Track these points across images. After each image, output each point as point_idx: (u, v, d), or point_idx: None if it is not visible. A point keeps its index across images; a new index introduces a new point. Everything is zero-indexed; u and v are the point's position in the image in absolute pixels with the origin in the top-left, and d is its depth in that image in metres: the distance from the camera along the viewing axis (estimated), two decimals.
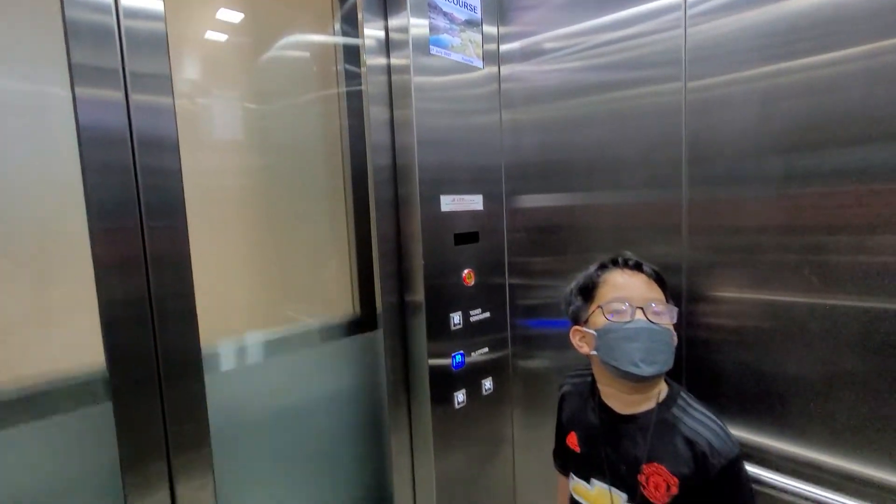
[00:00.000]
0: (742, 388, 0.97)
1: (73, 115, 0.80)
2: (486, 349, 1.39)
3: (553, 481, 1.41)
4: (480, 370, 1.38)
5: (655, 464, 0.83)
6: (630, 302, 0.86)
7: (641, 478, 0.84)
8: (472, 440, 1.38)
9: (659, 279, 0.93)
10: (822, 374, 0.88)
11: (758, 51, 0.92)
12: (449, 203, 1.26)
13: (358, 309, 1.25)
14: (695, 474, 0.81)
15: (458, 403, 1.32)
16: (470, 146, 1.32)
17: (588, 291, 0.93)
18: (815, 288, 0.88)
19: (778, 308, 0.92)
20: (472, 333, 1.35)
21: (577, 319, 0.95)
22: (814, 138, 0.87)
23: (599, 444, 0.91)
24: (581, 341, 0.93)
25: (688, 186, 1.04)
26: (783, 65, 0.90)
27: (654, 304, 0.86)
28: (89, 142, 0.82)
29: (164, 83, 0.89)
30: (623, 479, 0.87)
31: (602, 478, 0.90)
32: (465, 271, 1.32)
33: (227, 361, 1.08)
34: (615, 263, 0.94)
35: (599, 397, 0.94)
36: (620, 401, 0.90)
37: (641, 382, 0.86)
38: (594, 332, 0.88)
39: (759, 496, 0.90)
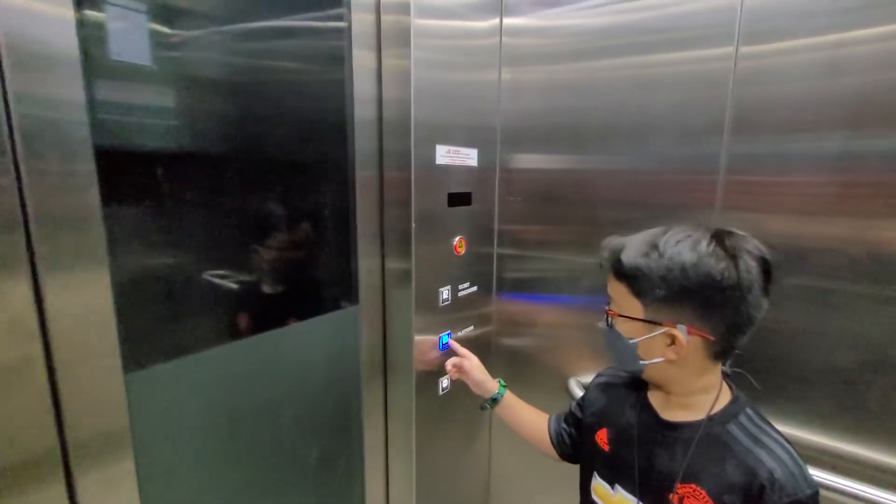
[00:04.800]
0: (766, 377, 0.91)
1: None
2: (471, 327, 1.23)
3: (527, 473, 1.32)
4: None
5: (693, 485, 0.71)
6: None
7: (673, 497, 0.72)
8: (452, 430, 1.23)
9: (621, 272, 0.74)
10: (854, 365, 0.84)
11: (827, 15, 0.82)
12: (444, 155, 1.05)
13: (332, 280, 1.02)
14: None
15: (443, 389, 1.15)
16: (465, 103, 1.12)
17: None
18: (862, 277, 0.82)
19: (817, 294, 0.86)
20: (459, 310, 1.17)
21: None
22: (879, 118, 0.79)
23: (632, 447, 0.78)
24: None
25: (726, 164, 0.94)
26: (853, 34, 0.80)
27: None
28: None
29: None
30: (652, 492, 0.75)
31: (628, 486, 0.78)
32: (457, 238, 1.13)
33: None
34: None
35: (645, 394, 0.81)
36: (670, 406, 0.77)
37: None
38: None
39: None
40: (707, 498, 0.69)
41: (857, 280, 0.83)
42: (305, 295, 0.98)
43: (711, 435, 0.71)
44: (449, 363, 1.09)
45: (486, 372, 1.08)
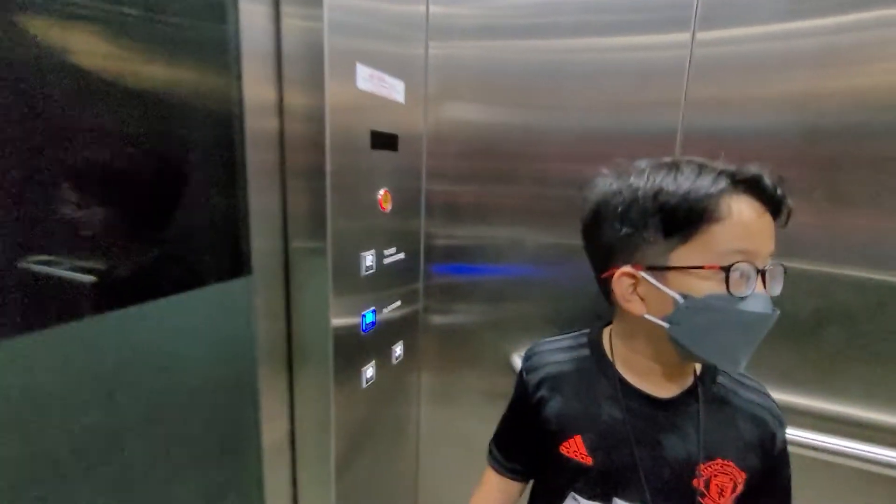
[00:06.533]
0: None
1: None
2: (398, 303, 1.01)
3: (461, 468, 1.15)
4: (392, 332, 1.00)
5: (720, 460, 0.59)
6: (756, 263, 0.53)
7: (698, 483, 0.59)
8: (378, 430, 1.01)
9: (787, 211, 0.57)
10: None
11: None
12: (366, 79, 0.82)
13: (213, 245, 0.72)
14: (762, 461, 0.61)
15: (367, 381, 0.93)
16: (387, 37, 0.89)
17: (683, 220, 0.53)
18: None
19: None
20: (385, 281, 0.95)
21: (629, 253, 0.58)
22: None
23: (629, 447, 0.61)
24: (632, 295, 0.58)
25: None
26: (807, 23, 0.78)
27: (772, 265, 0.55)
28: None
29: None
30: (669, 489, 0.60)
31: (633, 495, 0.61)
32: (382, 192, 0.90)
33: None
34: (751, 185, 0.53)
35: (622, 378, 0.64)
36: (660, 380, 0.63)
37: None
38: (678, 297, 0.54)
39: None
40: (735, 468, 0.59)
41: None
42: (160, 265, 0.68)
43: (711, 396, 0.62)
44: None
45: None
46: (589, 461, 0.62)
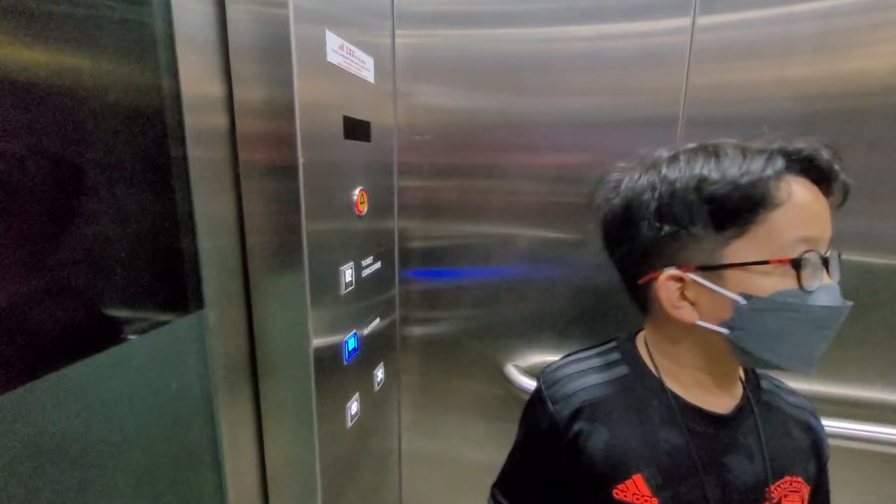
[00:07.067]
0: None
1: None
2: (377, 320, 0.86)
3: (448, 496, 1.04)
4: (373, 354, 0.86)
5: (787, 476, 0.53)
6: (820, 249, 0.47)
7: None
8: (359, 470, 0.85)
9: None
10: None
11: None
12: (337, 51, 0.66)
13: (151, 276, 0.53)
14: (817, 469, 0.57)
15: (352, 417, 0.77)
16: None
17: (737, 209, 0.47)
18: None
19: None
20: (364, 297, 0.80)
21: (672, 253, 0.51)
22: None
23: (697, 475, 0.53)
24: (680, 300, 0.51)
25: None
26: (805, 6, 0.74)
27: (833, 252, 0.49)
28: None
29: None
30: None
31: None
32: (357, 191, 0.75)
33: None
34: (808, 163, 0.48)
35: (676, 396, 0.55)
36: (714, 392, 0.56)
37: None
38: (738, 299, 0.48)
39: None
40: (803, 484, 0.54)
41: None
42: (67, 314, 0.48)
43: (763, 405, 0.57)
44: None
45: None
46: (656, 501, 0.53)
